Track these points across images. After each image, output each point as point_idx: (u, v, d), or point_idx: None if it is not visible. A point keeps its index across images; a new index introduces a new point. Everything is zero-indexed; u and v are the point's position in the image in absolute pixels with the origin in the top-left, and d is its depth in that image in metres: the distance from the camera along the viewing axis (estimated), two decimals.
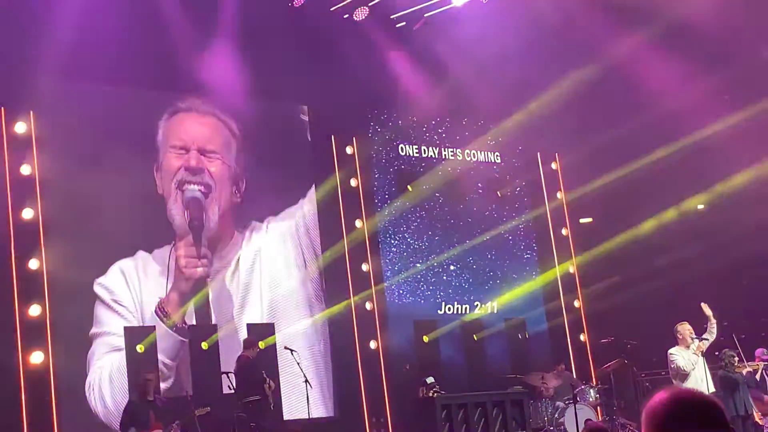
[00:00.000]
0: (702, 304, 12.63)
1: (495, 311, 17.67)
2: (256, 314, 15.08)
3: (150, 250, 14.39)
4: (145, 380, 12.63)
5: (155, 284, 14.29)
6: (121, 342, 13.74)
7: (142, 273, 14.20)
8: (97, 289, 13.81)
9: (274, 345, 14.78)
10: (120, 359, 13.68)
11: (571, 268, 18.64)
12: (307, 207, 16.02)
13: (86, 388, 13.40)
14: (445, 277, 17.54)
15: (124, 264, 14.10)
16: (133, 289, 14.07)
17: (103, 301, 13.82)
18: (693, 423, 2.52)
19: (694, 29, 15.07)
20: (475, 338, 17.22)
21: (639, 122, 16.71)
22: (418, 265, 17.19)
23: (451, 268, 17.63)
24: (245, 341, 13.47)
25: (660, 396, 2.62)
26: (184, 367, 14.23)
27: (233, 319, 14.88)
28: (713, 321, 12.60)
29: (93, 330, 13.68)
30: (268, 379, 12.82)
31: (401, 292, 17.01)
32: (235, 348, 14.25)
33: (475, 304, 17.47)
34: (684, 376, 12.63)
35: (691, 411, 2.54)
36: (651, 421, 2.57)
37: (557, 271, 18.45)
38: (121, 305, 13.92)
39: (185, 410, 12.61)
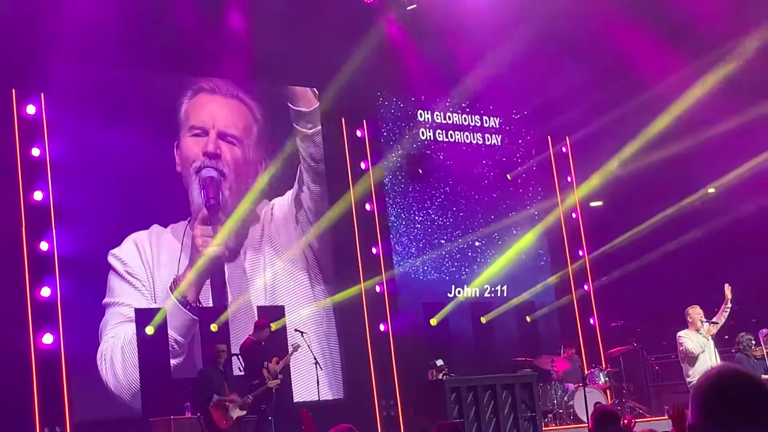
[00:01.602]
0: (725, 285, 12.62)
1: (505, 294, 17.65)
2: (260, 296, 15.11)
3: (165, 225, 14.44)
4: (218, 351, 12.71)
5: (169, 258, 14.35)
6: (132, 312, 13.82)
7: (156, 246, 14.26)
8: (110, 259, 13.88)
9: (284, 327, 14.81)
10: (132, 331, 13.74)
11: (581, 251, 18.61)
12: (311, 188, 15.99)
13: (98, 358, 13.47)
14: (470, 254, 17.59)
15: (138, 236, 14.17)
16: (146, 261, 14.13)
17: (116, 272, 13.89)
18: (735, 399, 2.50)
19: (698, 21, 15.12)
20: (483, 321, 17.22)
21: (648, 106, 16.73)
22: (443, 241, 17.24)
23: (476, 244, 17.68)
24: (256, 323, 13.53)
25: (707, 372, 2.61)
26: (196, 347, 14.29)
27: (247, 300, 14.93)
28: (729, 306, 12.57)
29: (106, 299, 13.77)
30: (266, 363, 12.83)
31: (426, 268, 17.08)
32: (246, 330, 14.34)
33: (485, 286, 17.45)
34: (693, 359, 12.62)
35: (735, 387, 2.51)
36: (694, 397, 2.55)
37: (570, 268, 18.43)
38: (134, 277, 13.99)
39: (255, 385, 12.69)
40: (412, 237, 17.06)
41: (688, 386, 13.17)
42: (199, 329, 14.34)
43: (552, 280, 18.12)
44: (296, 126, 16.02)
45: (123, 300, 13.85)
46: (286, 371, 13.53)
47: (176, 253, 14.44)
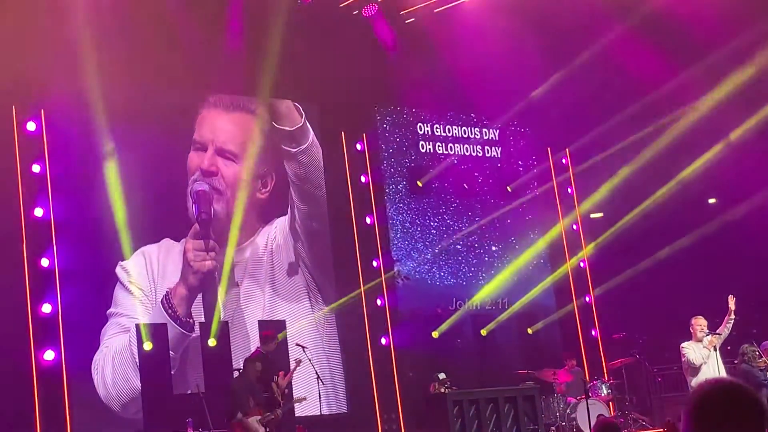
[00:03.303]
0: (729, 297, 12.60)
1: (506, 307, 17.62)
2: (257, 311, 15.07)
3: (177, 239, 14.44)
4: (255, 370, 12.71)
5: (173, 272, 14.33)
6: (129, 323, 13.80)
7: (164, 259, 14.25)
8: (118, 270, 13.91)
9: (285, 341, 14.78)
10: (124, 341, 13.71)
11: (582, 263, 18.58)
12: (299, 207, 15.92)
13: (92, 366, 13.45)
14: (486, 258, 17.61)
15: (147, 249, 14.19)
16: (150, 272, 14.12)
17: (121, 282, 13.92)
18: (726, 410, 2.52)
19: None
20: (483, 333, 17.18)
21: (646, 115, 16.78)
22: (458, 246, 17.29)
23: (493, 248, 17.71)
24: (263, 335, 13.52)
25: (703, 383, 2.65)
26: (188, 362, 14.22)
27: (242, 313, 14.90)
28: (732, 317, 12.55)
29: (110, 310, 13.79)
30: (276, 378, 12.83)
31: (442, 274, 17.10)
32: (247, 344, 14.36)
33: (485, 299, 17.42)
34: (695, 370, 12.61)
35: (728, 398, 2.54)
36: (686, 405, 2.59)
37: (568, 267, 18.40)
38: (137, 287, 13.97)
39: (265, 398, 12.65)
40: (428, 242, 17.12)
41: None
42: (200, 345, 14.31)
43: (550, 280, 18.14)
44: (281, 146, 15.89)
45: (123, 310, 13.85)
46: (288, 386, 13.50)
47: (179, 268, 14.44)
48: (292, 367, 13.36)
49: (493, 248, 17.85)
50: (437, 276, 17.15)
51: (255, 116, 15.50)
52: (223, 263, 14.75)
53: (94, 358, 13.51)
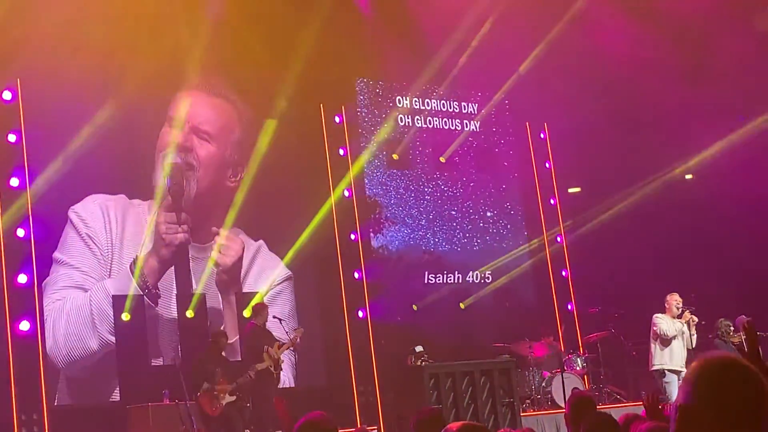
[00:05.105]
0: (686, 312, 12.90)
1: (489, 280, 17.68)
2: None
3: (131, 197, 14.28)
4: (214, 337, 12.77)
5: (134, 235, 14.14)
6: (84, 281, 13.61)
7: (121, 217, 14.04)
8: (71, 215, 13.67)
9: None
10: (84, 299, 13.55)
11: (559, 237, 18.64)
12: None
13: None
14: (482, 224, 17.66)
15: (104, 201, 13.97)
16: (109, 230, 13.90)
17: (76, 230, 13.66)
18: (734, 387, 2.53)
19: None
20: (462, 306, 17.25)
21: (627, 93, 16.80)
22: (453, 212, 17.38)
23: (488, 214, 17.76)
24: (254, 307, 13.51)
25: (708, 357, 2.64)
26: (164, 332, 14.19)
27: (216, 290, 14.86)
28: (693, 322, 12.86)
29: (57, 254, 13.49)
30: (266, 347, 12.85)
31: (437, 240, 17.16)
32: (218, 316, 14.37)
33: (468, 274, 17.48)
34: (665, 341, 12.79)
35: (735, 375, 2.53)
36: (691, 379, 2.58)
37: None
38: (94, 243, 13.77)
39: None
40: (422, 208, 17.21)
41: (651, 369, 13.30)
42: (177, 316, 14.28)
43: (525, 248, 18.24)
44: None
45: (77, 264, 13.60)
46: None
47: (141, 234, 14.22)
48: (291, 337, 13.28)
49: (488, 214, 17.92)
50: (431, 242, 17.19)
51: (235, 105, 15.39)
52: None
53: (44, 307, 13.23)
